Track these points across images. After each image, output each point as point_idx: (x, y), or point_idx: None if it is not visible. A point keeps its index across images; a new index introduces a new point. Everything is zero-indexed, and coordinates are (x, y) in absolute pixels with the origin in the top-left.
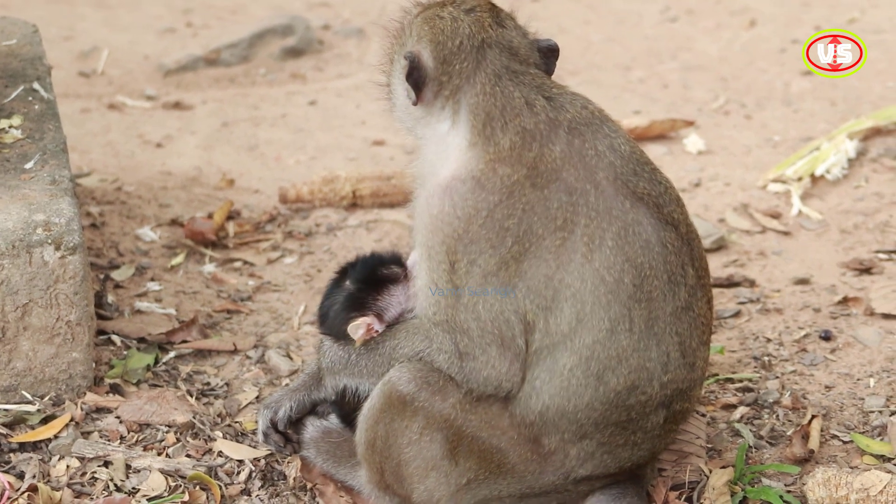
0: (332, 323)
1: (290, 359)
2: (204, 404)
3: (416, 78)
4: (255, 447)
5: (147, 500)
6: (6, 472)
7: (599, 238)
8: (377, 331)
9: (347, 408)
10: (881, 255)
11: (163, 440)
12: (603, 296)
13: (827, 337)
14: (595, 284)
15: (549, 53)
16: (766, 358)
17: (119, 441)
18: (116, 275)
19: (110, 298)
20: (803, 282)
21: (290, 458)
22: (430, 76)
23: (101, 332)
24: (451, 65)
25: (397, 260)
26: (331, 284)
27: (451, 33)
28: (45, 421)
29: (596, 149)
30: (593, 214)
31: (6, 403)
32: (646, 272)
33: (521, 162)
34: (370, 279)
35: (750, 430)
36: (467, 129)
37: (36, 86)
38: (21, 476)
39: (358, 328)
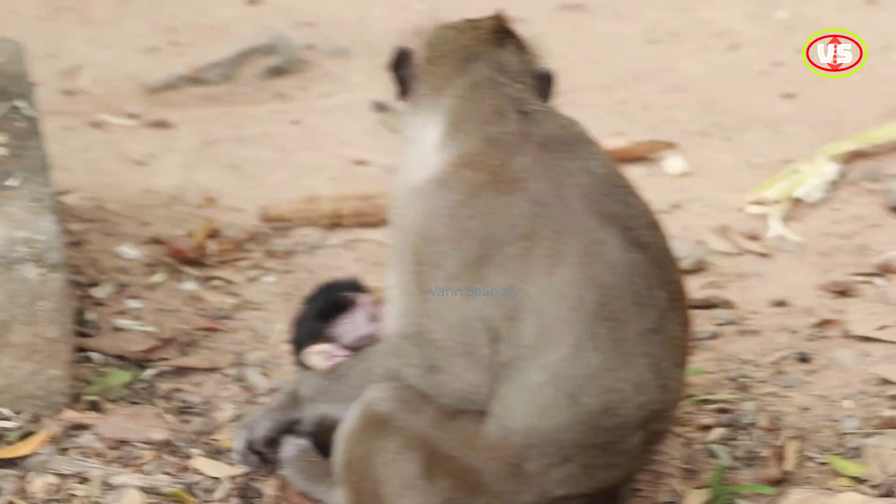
0: (297, 356)
1: (269, 377)
2: (182, 422)
3: (401, 71)
4: (232, 465)
5: None
6: None
7: (562, 253)
8: (338, 357)
9: (323, 438)
10: (859, 278)
11: (141, 457)
12: (565, 312)
13: (804, 359)
14: (556, 300)
15: (543, 79)
16: (742, 379)
17: (97, 458)
18: (97, 292)
19: (90, 316)
20: (781, 304)
21: (267, 476)
22: (417, 72)
23: (80, 349)
24: (437, 65)
25: (353, 285)
26: (295, 319)
27: (445, 39)
28: (23, 437)
29: (567, 165)
30: (556, 228)
31: None
32: (610, 292)
33: (483, 168)
34: (322, 310)
35: (726, 451)
36: (439, 131)
37: (19, 103)
38: None
39: (313, 357)
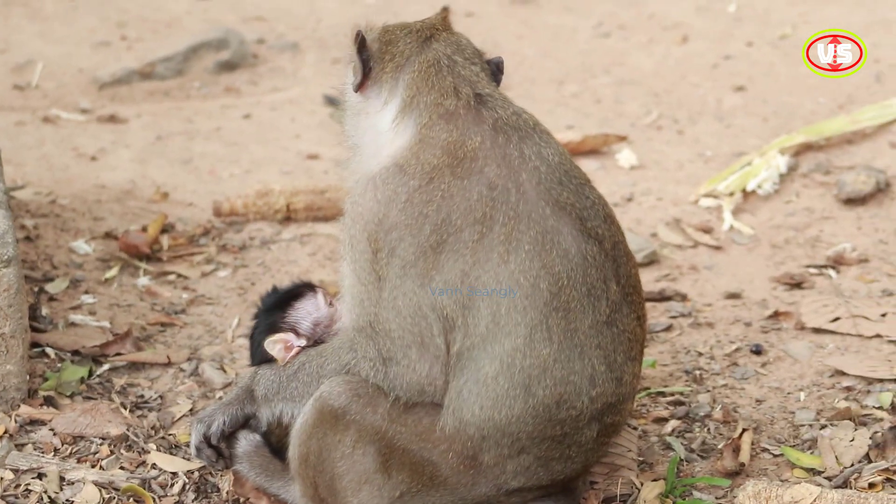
0: (255, 353)
1: (224, 371)
2: (138, 417)
3: (362, 53)
4: (188, 459)
5: None
6: None
7: (517, 240)
8: (298, 346)
9: (278, 438)
10: (812, 270)
11: (97, 452)
12: (518, 300)
13: (758, 351)
14: (510, 287)
15: (494, 66)
16: (697, 372)
17: (53, 453)
18: (51, 287)
19: (45, 311)
20: (734, 296)
21: (223, 471)
22: (374, 55)
23: (35, 344)
24: (396, 45)
25: (302, 283)
26: (251, 327)
27: (399, 25)
28: None
29: (521, 151)
30: (512, 214)
31: None
32: (563, 282)
33: (439, 146)
34: (275, 304)
35: (681, 444)
36: (396, 110)
37: None
38: None
39: (274, 344)
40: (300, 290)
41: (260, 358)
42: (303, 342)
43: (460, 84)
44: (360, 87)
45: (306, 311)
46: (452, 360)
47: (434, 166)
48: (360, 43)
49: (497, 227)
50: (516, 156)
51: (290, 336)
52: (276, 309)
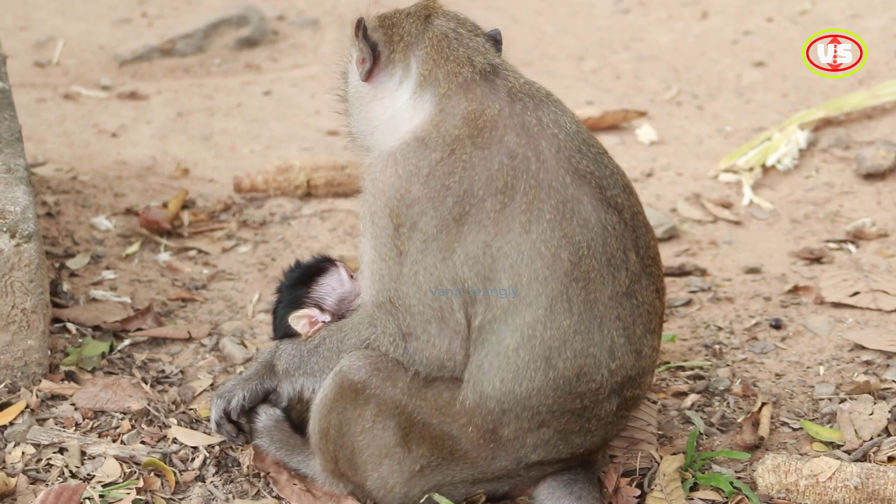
0: (279, 327)
1: (245, 347)
2: (159, 392)
3: (369, 42)
4: (209, 434)
5: (102, 486)
6: None
7: (538, 209)
8: (322, 321)
9: (299, 413)
10: (831, 245)
11: (118, 427)
12: (539, 270)
13: (777, 325)
14: (531, 257)
15: (493, 39)
16: (716, 346)
17: (74, 428)
18: (72, 263)
19: (66, 287)
20: (754, 271)
21: (243, 446)
22: (380, 41)
23: (56, 319)
24: (400, 27)
25: (324, 258)
26: (274, 301)
27: (393, 11)
28: (0, 408)
29: (539, 119)
30: (533, 183)
31: None
32: (583, 251)
33: (460, 115)
34: (299, 279)
35: (700, 418)
36: (412, 86)
37: None
38: None
39: (299, 320)
40: (323, 265)
41: (282, 333)
42: (327, 318)
43: (473, 54)
44: (369, 75)
45: (330, 287)
46: (474, 333)
47: (455, 137)
48: (363, 31)
49: (518, 197)
50: (534, 123)
51: (314, 311)
52: (299, 284)
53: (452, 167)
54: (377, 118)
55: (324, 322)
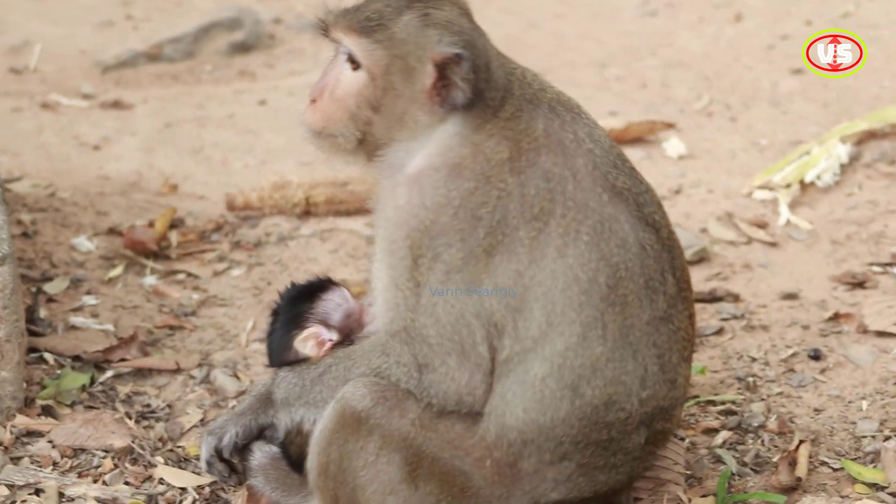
0: (277, 351)
1: (238, 378)
2: (144, 427)
3: (473, 78)
4: (198, 474)
5: None
6: None
7: (575, 231)
8: (330, 339)
9: (298, 448)
10: (875, 268)
11: (99, 466)
12: (575, 296)
13: (816, 356)
14: (567, 283)
15: None
16: (750, 379)
17: (52, 467)
18: (50, 288)
19: (43, 313)
20: (791, 297)
21: (236, 486)
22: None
23: (32, 349)
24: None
25: (324, 278)
26: (269, 324)
27: (460, 29)
28: None
29: (575, 134)
30: (570, 204)
31: None
32: (621, 273)
33: (507, 136)
34: (299, 295)
35: (733, 456)
36: (470, 110)
37: None
38: None
39: (305, 342)
40: (324, 282)
41: (279, 359)
42: (334, 336)
43: (519, 71)
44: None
45: (335, 303)
46: (499, 367)
47: (495, 162)
48: (472, 67)
49: (554, 221)
50: (571, 139)
51: (320, 329)
52: (300, 301)
53: (486, 197)
54: (410, 135)
55: (331, 341)
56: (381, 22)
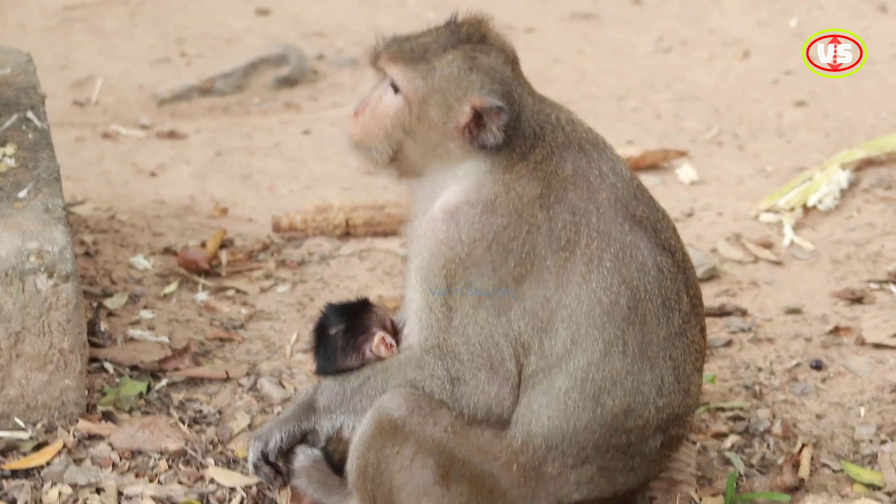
0: (336, 358)
1: (283, 387)
2: (196, 432)
3: (506, 126)
4: (246, 474)
5: None
6: None
7: (598, 259)
8: (392, 344)
9: (339, 453)
10: (873, 285)
11: (155, 467)
12: (598, 317)
13: (818, 366)
14: (591, 306)
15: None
16: (757, 387)
17: (111, 468)
18: (109, 303)
19: (103, 326)
20: (795, 311)
21: (281, 487)
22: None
23: (93, 359)
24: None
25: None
26: (315, 337)
27: (501, 78)
28: (37, 448)
29: (600, 169)
30: (594, 235)
31: None
32: (641, 295)
33: (537, 177)
34: (353, 310)
35: (740, 459)
36: (498, 152)
37: (30, 115)
38: (13, 503)
39: (379, 346)
40: (363, 299)
41: (337, 366)
42: (392, 341)
43: (554, 112)
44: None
45: (383, 312)
46: (525, 380)
47: (526, 200)
48: (509, 116)
49: (580, 250)
50: (596, 175)
51: (385, 334)
52: (353, 314)
53: (518, 231)
54: (442, 165)
55: (393, 344)
56: (424, 55)
